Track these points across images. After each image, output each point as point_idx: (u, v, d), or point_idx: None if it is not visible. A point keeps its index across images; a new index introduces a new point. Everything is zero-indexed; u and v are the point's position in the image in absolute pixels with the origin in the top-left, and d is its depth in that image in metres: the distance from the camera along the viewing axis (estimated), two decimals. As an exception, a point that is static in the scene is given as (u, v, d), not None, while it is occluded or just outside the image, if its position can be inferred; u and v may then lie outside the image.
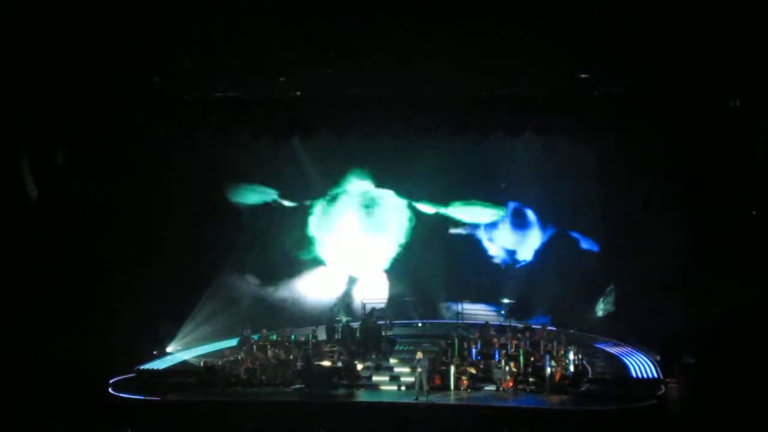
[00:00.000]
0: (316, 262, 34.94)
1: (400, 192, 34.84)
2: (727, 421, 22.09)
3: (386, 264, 34.87)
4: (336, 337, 30.59)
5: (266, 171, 33.70)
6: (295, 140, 31.29)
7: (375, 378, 27.95)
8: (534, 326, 30.67)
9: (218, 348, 30.50)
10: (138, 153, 28.72)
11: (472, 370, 26.96)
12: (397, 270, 34.75)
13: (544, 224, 34.55)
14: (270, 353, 28.88)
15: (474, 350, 28.16)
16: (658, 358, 27.45)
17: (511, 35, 22.42)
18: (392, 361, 29.09)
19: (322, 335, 30.71)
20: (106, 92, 26.03)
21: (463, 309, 33.22)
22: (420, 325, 33.74)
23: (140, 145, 28.48)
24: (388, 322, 31.69)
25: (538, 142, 30.10)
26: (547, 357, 26.63)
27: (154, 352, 30.30)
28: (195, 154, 30.30)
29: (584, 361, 27.65)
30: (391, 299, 34.11)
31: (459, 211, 34.77)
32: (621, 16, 21.68)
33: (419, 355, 26.46)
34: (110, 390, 26.68)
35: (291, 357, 28.63)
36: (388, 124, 27.88)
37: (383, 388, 27.43)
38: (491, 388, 26.71)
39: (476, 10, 21.67)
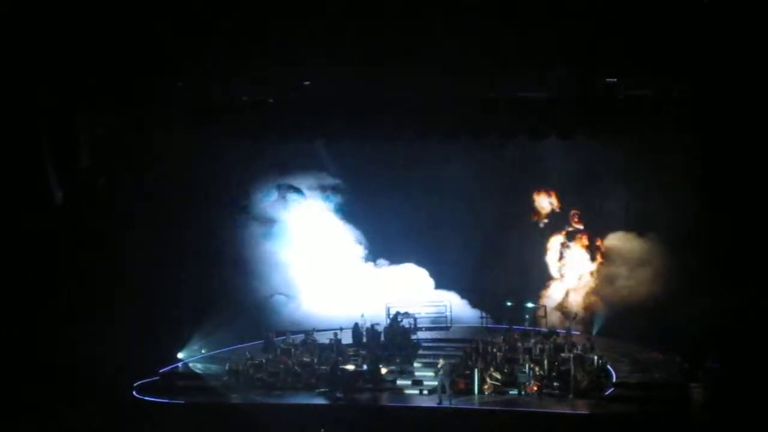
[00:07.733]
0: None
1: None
2: (751, 426, 21.99)
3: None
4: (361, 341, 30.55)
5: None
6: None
7: (399, 382, 27.90)
8: (558, 330, 30.55)
9: (243, 351, 30.46)
10: (162, 154, 28.86)
11: (497, 375, 26.86)
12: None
13: None
14: (295, 356, 28.91)
15: (498, 354, 28.04)
16: (683, 362, 27.27)
17: (535, 38, 22.49)
18: (416, 365, 29.05)
19: (346, 339, 30.67)
20: (129, 95, 26.15)
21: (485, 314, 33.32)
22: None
23: (164, 146, 28.60)
24: (412, 326, 31.63)
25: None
26: (572, 361, 26.53)
27: (178, 355, 30.39)
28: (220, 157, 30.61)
29: (608, 366, 27.46)
30: None
31: None
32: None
33: (441, 361, 26.45)
34: (134, 393, 26.80)
35: (315, 360, 28.65)
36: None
37: (407, 392, 27.37)
38: (515, 392, 26.60)
39: (499, 11, 21.76)
